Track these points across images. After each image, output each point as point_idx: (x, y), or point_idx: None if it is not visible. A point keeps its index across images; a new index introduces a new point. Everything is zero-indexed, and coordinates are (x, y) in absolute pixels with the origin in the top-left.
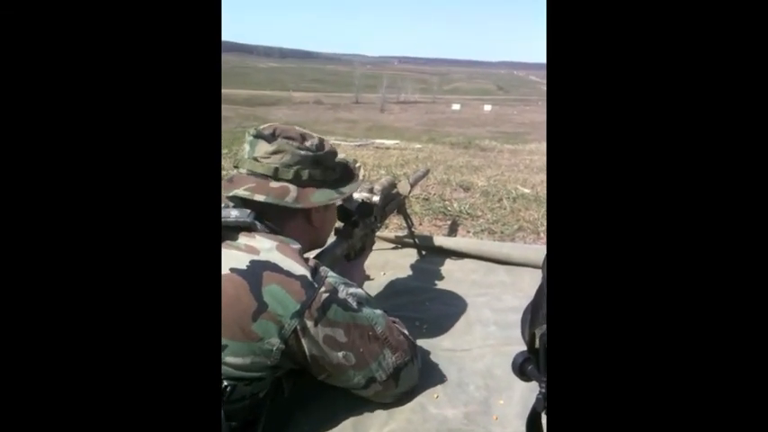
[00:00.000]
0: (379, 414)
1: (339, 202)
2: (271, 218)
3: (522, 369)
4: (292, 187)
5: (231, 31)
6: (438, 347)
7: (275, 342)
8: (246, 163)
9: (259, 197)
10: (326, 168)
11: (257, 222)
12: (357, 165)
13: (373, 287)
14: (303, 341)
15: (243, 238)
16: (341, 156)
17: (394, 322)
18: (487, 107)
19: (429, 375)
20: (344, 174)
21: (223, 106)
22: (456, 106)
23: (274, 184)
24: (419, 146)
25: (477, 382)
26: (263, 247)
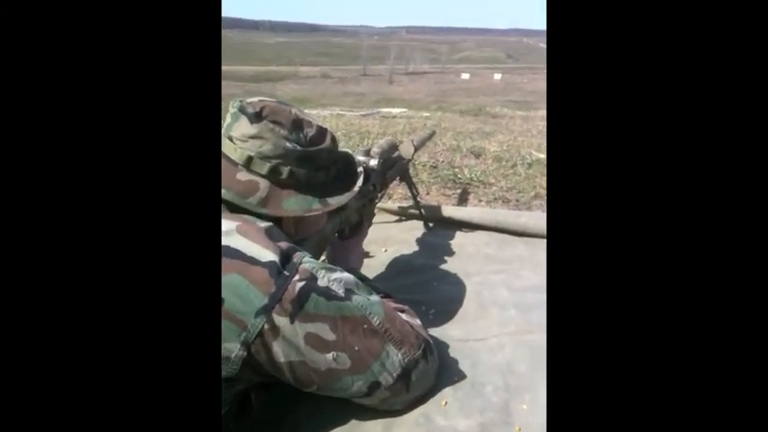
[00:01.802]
0: (373, 428)
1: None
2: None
3: None
4: (264, 184)
5: (236, 7)
6: (447, 337)
7: (233, 347)
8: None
9: None
10: (316, 168)
11: None
12: (360, 169)
13: (373, 266)
14: (274, 345)
15: None
16: (343, 148)
17: (402, 311)
18: (497, 76)
19: (439, 376)
20: (340, 177)
21: (229, 83)
22: (465, 75)
23: (242, 176)
24: (427, 114)
25: (495, 382)
26: (222, 229)
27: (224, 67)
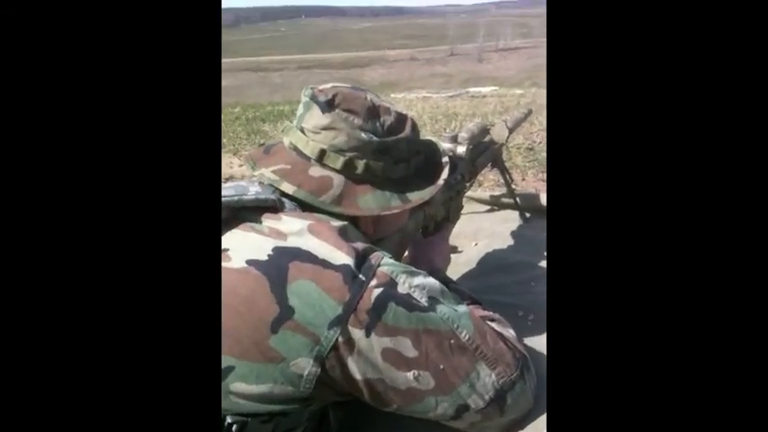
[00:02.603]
0: None
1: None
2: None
3: None
4: (338, 180)
5: None
6: None
7: (305, 364)
8: (291, 132)
9: (288, 187)
10: (395, 161)
11: (284, 200)
12: (445, 159)
13: (461, 263)
14: (349, 360)
15: (267, 221)
16: (426, 136)
17: (491, 320)
18: None
19: (538, 395)
20: (423, 170)
21: (318, 71)
22: None
23: (315, 172)
24: (520, 91)
25: None
26: (292, 229)
27: (314, 56)
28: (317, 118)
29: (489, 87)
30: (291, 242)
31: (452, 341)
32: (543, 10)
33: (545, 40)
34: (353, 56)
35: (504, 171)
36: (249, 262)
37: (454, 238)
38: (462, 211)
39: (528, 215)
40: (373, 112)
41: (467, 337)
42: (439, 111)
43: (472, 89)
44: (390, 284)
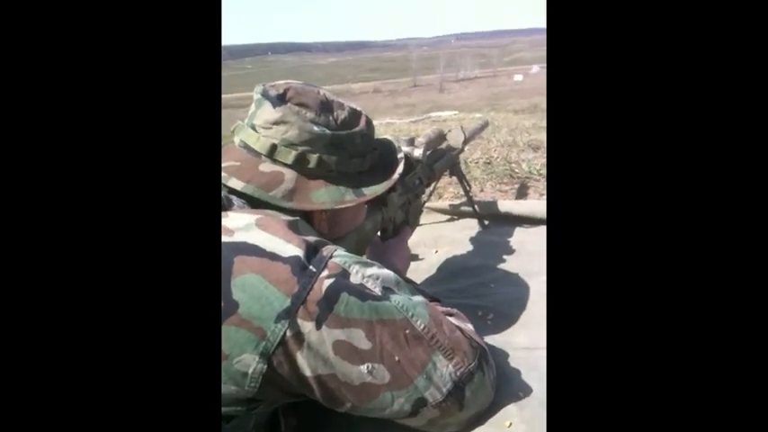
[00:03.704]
0: None
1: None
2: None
3: None
4: (290, 175)
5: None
6: (509, 345)
7: (250, 360)
8: (242, 131)
9: (236, 183)
10: (349, 155)
11: (232, 197)
12: (400, 155)
13: (422, 269)
14: (299, 355)
15: None
16: (385, 136)
17: (449, 315)
18: None
19: (498, 390)
20: (378, 166)
21: None
22: (518, 77)
23: (265, 168)
24: (479, 115)
25: None
26: (239, 225)
27: None
28: (267, 113)
29: (450, 112)
30: (237, 237)
31: (407, 331)
32: (501, 40)
33: (503, 69)
34: None
35: (462, 178)
36: None
37: (415, 247)
38: (423, 221)
39: (486, 222)
40: (326, 106)
41: (422, 326)
42: (402, 133)
43: (434, 114)
44: (342, 274)
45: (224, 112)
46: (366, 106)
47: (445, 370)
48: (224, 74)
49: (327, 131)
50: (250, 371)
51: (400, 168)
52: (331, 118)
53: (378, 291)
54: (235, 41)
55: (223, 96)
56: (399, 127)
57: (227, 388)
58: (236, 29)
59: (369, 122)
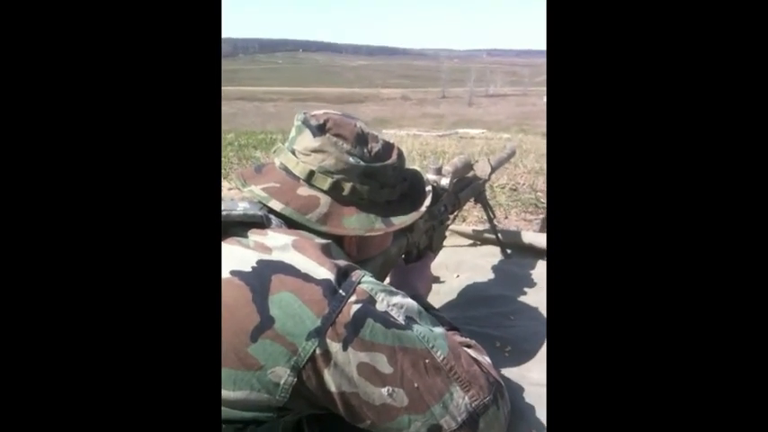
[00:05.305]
0: None
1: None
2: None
3: None
4: (325, 200)
5: (320, 31)
6: (524, 380)
7: (282, 372)
8: (282, 153)
9: (276, 204)
10: (381, 186)
11: (271, 217)
12: (428, 188)
13: (442, 293)
14: (326, 372)
15: (253, 236)
16: (412, 166)
17: (468, 346)
18: None
19: (512, 425)
20: (407, 196)
21: (312, 104)
22: None
23: (303, 191)
24: (507, 135)
25: None
26: (277, 244)
27: (309, 89)
28: (307, 141)
29: (478, 130)
30: (275, 256)
31: (427, 360)
32: (532, 59)
33: (534, 88)
34: (348, 91)
35: (486, 206)
36: (233, 272)
37: (437, 269)
38: (446, 244)
39: (509, 251)
40: (362, 138)
41: (441, 357)
42: (428, 148)
43: (461, 130)
44: (369, 301)
45: (252, 105)
46: (394, 112)
47: (461, 401)
48: (254, 67)
49: (362, 162)
50: (282, 382)
51: (428, 201)
52: (365, 150)
53: (401, 319)
54: (267, 35)
55: (252, 89)
56: (426, 140)
57: (260, 395)
58: (269, 23)
59: (400, 155)
